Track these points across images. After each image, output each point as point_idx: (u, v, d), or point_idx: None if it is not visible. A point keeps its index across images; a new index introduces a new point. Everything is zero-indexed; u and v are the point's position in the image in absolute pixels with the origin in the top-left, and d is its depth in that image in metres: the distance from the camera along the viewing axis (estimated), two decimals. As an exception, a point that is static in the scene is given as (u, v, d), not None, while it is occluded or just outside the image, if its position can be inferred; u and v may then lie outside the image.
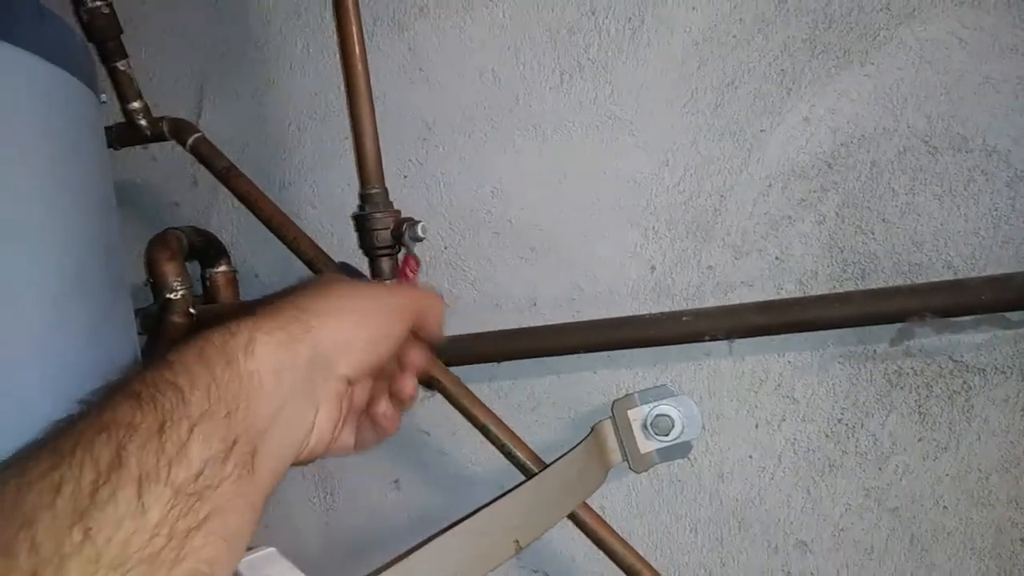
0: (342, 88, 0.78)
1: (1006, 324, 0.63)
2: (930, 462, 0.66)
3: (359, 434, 0.41)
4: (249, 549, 0.33)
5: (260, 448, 0.28)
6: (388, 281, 0.70)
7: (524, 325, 0.74)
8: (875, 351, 0.67)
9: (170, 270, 0.78)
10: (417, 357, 0.43)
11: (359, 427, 0.41)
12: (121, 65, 0.83)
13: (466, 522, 0.54)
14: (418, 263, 0.67)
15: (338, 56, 0.77)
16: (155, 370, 0.28)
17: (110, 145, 0.86)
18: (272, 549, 0.34)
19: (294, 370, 0.31)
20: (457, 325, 0.76)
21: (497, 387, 0.77)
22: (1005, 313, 0.62)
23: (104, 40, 0.81)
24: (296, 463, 0.34)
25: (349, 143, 0.77)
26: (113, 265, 0.57)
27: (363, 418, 0.42)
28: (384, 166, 0.72)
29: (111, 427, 0.25)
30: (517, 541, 0.59)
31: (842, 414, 0.68)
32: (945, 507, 0.66)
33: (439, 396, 0.71)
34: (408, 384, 0.42)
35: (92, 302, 0.51)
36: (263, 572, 0.33)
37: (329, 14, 0.79)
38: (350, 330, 0.34)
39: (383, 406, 0.41)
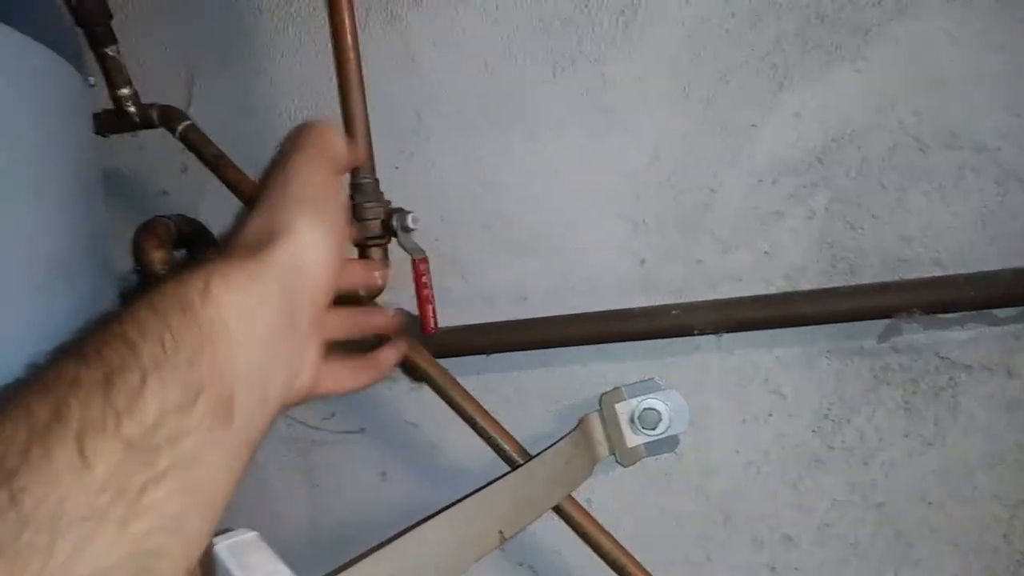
0: (333, 77, 0.78)
1: (993, 321, 0.63)
2: (916, 458, 0.67)
3: (353, 371, 0.41)
4: (228, 532, 0.32)
5: (237, 396, 0.27)
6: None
7: (514, 318, 0.74)
8: (863, 347, 0.67)
9: (157, 258, 0.77)
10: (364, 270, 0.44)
11: (352, 365, 0.40)
12: (110, 51, 0.82)
13: (450, 510, 0.54)
14: (426, 263, 0.62)
15: (330, 45, 0.76)
16: (103, 326, 0.26)
17: (99, 132, 0.85)
18: (253, 533, 0.33)
19: (266, 309, 0.29)
20: (447, 317, 0.75)
21: (486, 380, 0.77)
22: (992, 310, 0.63)
23: (93, 25, 0.80)
24: (291, 404, 0.33)
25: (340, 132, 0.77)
26: (98, 252, 0.56)
27: (357, 357, 0.40)
28: (375, 156, 0.71)
29: (51, 385, 0.23)
30: (501, 532, 0.58)
31: (829, 409, 0.68)
32: (930, 503, 0.67)
33: (427, 388, 0.71)
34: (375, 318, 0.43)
35: (77, 289, 0.50)
36: (244, 559, 0.32)
37: (321, 2, 0.79)
38: (311, 251, 0.32)
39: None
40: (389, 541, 0.48)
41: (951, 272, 0.64)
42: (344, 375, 0.40)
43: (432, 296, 0.58)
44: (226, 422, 0.26)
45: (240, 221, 0.34)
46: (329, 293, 0.34)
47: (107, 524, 0.22)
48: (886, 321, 0.66)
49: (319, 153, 0.36)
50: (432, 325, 0.58)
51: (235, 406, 0.27)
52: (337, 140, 0.38)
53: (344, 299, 0.40)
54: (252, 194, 0.77)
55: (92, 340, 0.25)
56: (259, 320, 0.29)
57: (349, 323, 0.43)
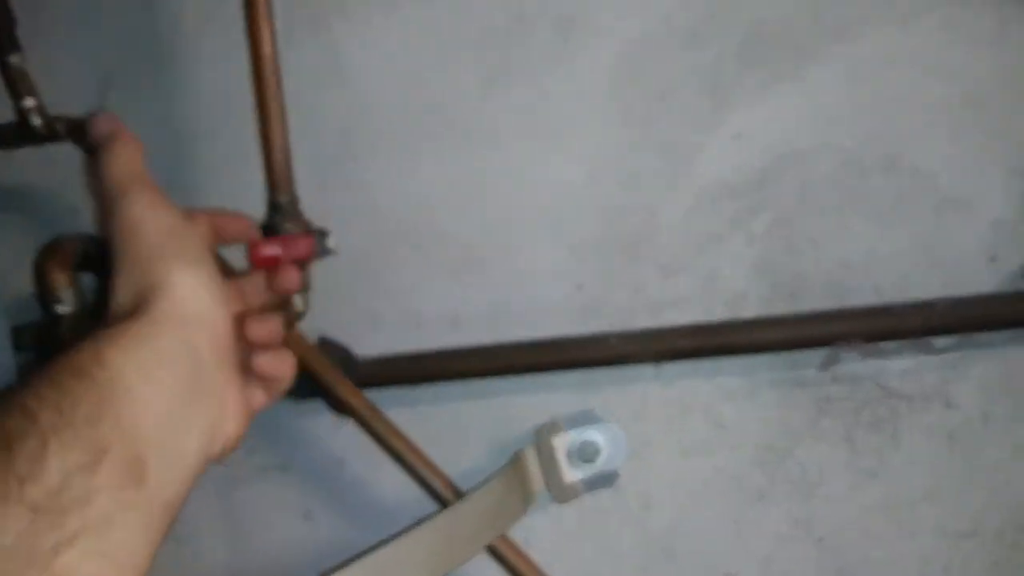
0: (255, 90, 0.74)
1: (931, 350, 0.62)
2: (858, 491, 0.65)
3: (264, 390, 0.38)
4: None
5: (149, 456, 0.27)
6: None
7: (446, 343, 0.71)
8: (804, 377, 0.65)
9: (60, 281, 0.71)
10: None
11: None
12: (14, 59, 0.76)
13: (367, 556, 0.51)
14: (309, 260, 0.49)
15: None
16: (0, 399, 0.26)
17: (1, 145, 0.79)
18: None
19: (166, 365, 0.29)
20: (375, 343, 0.72)
21: (417, 411, 0.73)
22: (931, 339, 0.62)
23: (-6, 30, 0.75)
24: (221, 457, 0.33)
25: (261, 148, 0.73)
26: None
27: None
28: (300, 174, 0.68)
29: None
30: (425, 580, 0.54)
31: (771, 441, 0.66)
32: (872, 537, 0.65)
33: (353, 421, 0.67)
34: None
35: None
36: None
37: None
38: (191, 301, 0.32)
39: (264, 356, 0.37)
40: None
41: (890, 299, 0.63)
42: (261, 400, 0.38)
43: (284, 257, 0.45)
44: (138, 483, 0.26)
45: (103, 287, 0.34)
46: (227, 333, 0.33)
47: None
48: (826, 350, 0.64)
49: (146, 187, 0.35)
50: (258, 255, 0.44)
51: (148, 466, 0.26)
52: (138, 151, 0.37)
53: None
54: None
55: None
56: (161, 378, 0.29)
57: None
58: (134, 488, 0.26)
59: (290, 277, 0.42)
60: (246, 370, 0.36)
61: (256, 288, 0.42)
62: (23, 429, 0.24)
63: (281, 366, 0.37)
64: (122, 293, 0.32)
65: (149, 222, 0.33)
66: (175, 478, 0.28)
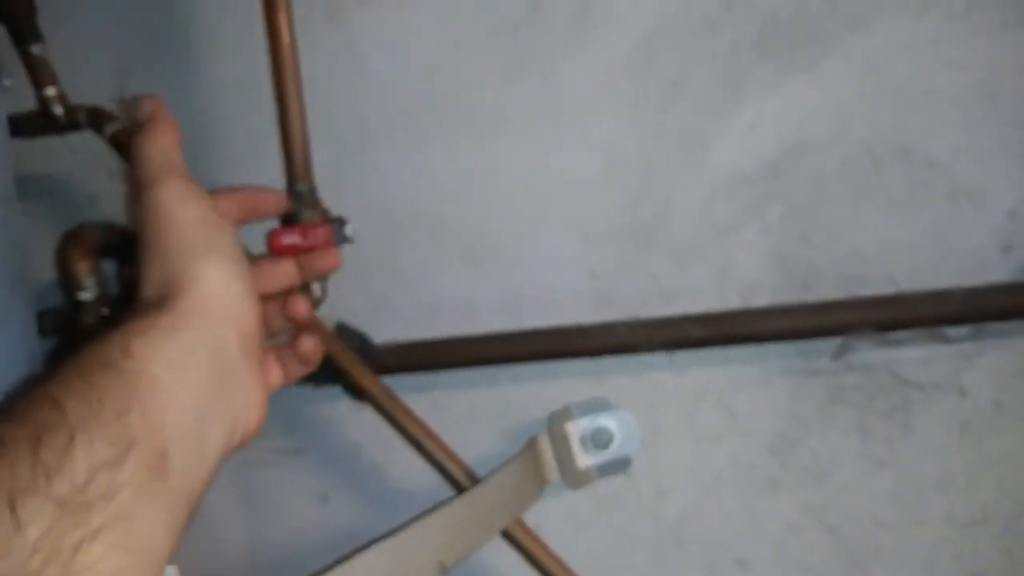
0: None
1: (945, 340, 0.63)
2: (869, 479, 0.66)
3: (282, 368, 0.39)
4: None
5: (172, 450, 0.26)
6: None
7: (462, 331, 0.71)
8: (817, 366, 0.66)
9: (82, 268, 0.73)
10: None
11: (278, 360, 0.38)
12: (35, 49, 0.77)
13: (384, 541, 0.51)
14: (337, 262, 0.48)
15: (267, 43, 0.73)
16: (29, 389, 0.26)
17: (22, 134, 0.80)
18: (172, 568, 0.31)
19: (193, 357, 0.29)
20: (390, 330, 0.72)
21: (432, 397, 0.74)
22: (944, 328, 0.62)
23: (16, 21, 0.76)
24: (242, 445, 0.33)
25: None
26: (10, 266, 0.52)
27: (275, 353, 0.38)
28: (317, 162, 0.68)
29: None
30: (441, 562, 0.55)
31: (783, 429, 0.67)
32: (883, 524, 0.66)
33: (370, 407, 0.68)
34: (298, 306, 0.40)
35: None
36: None
37: (259, -1, 0.76)
38: (219, 293, 0.31)
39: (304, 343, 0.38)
40: (317, 575, 0.45)
41: (904, 289, 0.63)
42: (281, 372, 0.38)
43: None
44: (161, 477, 0.26)
45: (134, 277, 0.33)
46: (257, 323, 0.33)
47: None
48: (839, 339, 0.64)
49: (180, 178, 0.34)
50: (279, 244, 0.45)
51: (171, 459, 0.26)
52: (175, 139, 0.36)
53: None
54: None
55: (18, 402, 0.25)
56: (187, 371, 0.29)
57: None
58: (157, 482, 0.26)
59: (299, 305, 0.41)
60: (265, 352, 0.37)
61: (276, 274, 0.42)
62: (52, 420, 0.24)
63: (317, 347, 0.39)
64: (151, 283, 0.32)
65: (180, 213, 0.33)
66: (197, 469, 0.28)
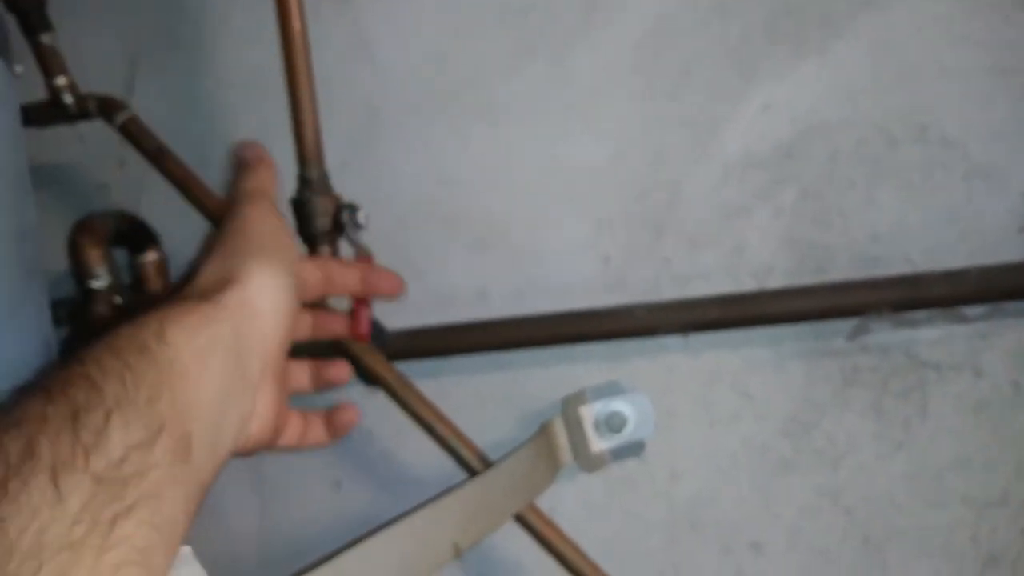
0: (282, 67, 0.75)
1: (961, 320, 0.62)
2: (885, 461, 0.65)
3: (307, 428, 0.42)
4: None
5: (196, 436, 0.28)
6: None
7: (473, 318, 0.71)
8: (832, 347, 0.65)
9: (94, 257, 0.73)
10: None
11: (307, 420, 0.42)
12: (45, 38, 0.77)
13: (399, 522, 0.51)
14: (371, 263, 0.57)
15: (277, 33, 0.73)
16: (64, 367, 0.27)
17: (33, 123, 0.80)
18: (187, 548, 0.32)
19: (219, 351, 0.31)
20: (403, 317, 0.72)
21: (444, 383, 0.74)
22: (960, 308, 0.61)
23: (26, 10, 0.76)
24: (243, 453, 0.35)
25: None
26: (25, 252, 0.52)
27: (312, 413, 0.42)
28: (327, 149, 0.68)
29: (21, 422, 0.24)
30: (456, 544, 0.55)
31: (798, 412, 0.66)
32: (899, 507, 0.65)
33: (382, 393, 0.68)
34: (337, 369, 0.45)
35: (1, 291, 0.47)
36: (173, 572, 0.30)
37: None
38: (263, 297, 0.34)
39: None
40: (333, 555, 0.45)
41: (920, 270, 0.62)
42: (304, 429, 0.43)
43: (369, 299, 0.55)
44: (185, 460, 0.27)
45: (194, 267, 0.35)
46: (283, 340, 0.35)
47: (84, 555, 0.22)
48: (855, 320, 0.64)
49: (269, 202, 0.39)
50: (363, 330, 0.54)
51: (193, 445, 0.28)
52: (272, 176, 0.41)
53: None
54: (196, 191, 0.74)
55: (56, 379, 0.26)
56: (213, 362, 0.30)
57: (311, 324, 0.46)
58: (181, 464, 0.27)
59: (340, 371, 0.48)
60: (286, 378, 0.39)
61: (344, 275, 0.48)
62: (90, 400, 0.25)
63: (345, 373, 0.46)
64: (207, 277, 0.34)
65: (256, 223, 0.37)
66: (213, 460, 0.30)
